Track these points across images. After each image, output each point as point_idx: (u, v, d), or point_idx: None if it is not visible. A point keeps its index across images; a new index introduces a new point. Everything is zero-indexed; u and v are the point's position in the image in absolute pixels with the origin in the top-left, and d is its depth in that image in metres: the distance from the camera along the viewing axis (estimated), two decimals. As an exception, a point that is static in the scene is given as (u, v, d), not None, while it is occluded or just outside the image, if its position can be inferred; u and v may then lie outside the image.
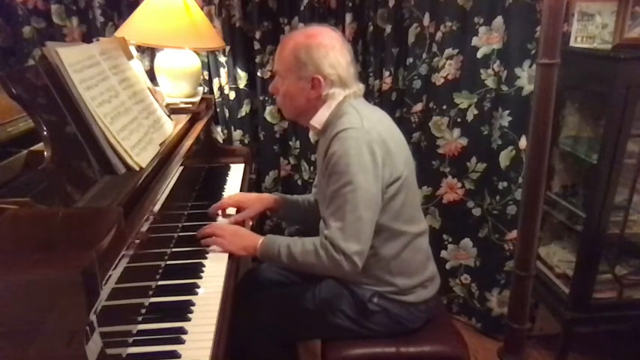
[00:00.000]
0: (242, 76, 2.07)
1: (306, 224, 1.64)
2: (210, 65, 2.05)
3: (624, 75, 1.58)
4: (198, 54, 1.92)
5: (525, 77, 1.88)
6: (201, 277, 1.20)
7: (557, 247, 2.07)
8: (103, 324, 0.72)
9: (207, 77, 2.08)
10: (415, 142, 2.10)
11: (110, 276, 0.81)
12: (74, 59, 1.02)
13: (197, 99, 1.82)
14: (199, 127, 1.66)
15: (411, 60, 2.00)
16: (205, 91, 2.05)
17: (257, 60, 2.03)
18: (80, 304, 0.63)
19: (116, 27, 1.92)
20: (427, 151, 2.09)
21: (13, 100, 0.88)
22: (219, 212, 1.53)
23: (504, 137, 1.96)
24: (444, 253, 2.20)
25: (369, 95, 2.02)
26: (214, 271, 1.23)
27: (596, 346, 2.06)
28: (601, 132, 1.70)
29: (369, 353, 1.33)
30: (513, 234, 2.01)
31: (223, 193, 1.71)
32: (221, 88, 2.08)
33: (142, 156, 1.09)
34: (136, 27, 1.70)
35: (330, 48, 1.27)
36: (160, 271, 1.19)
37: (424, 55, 1.98)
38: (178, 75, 1.81)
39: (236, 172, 1.92)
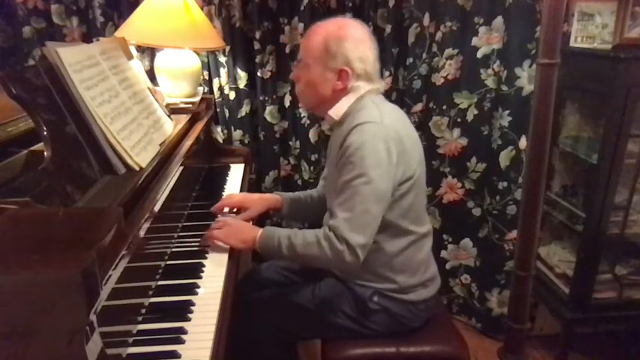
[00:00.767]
0: (242, 76, 2.07)
1: (309, 221, 1.64)
2: (210, 65, 2.05)
3: (624, 75, 1.58)
4: (198, 54, 1.92)
5: (525, 77, 1.88)
6: (201, 277, 1.20)
7: (557, 247, 2.07)
8: (103, 324, 0.72)
9: (207, 77, 2.08)
10: (415, 142, 2.10)
11: (110, 276, 0.81)
12: (74, 59, 1.02)
13: (197, 99, 1.82)
14: (199, 127, 1.66)
15: (411, 60, 2.00)
16: (205, 91, 2.05)
17: (257, 60, 2.03)
18: (80, 304, 0.63)
19: (116, 27, 1.92)
20: (427, 151, 2.07)
21: (13, 100, 0.88)
22: (224, 210, 1.53)
23: (504, 137, 1.96)
24: (444, 253, 2.20)
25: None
26: (214, 271, 1.23)
27: (596, 346, 2.06)
28: (601, 132, 1.70)
29: (369, 353, 1.33)
30: (513, 234, 2.01)
31: (223, 193, 1.71)
32: (221, 88, 2.08)
33: (141, 156, 1.09)
34: (135, 27, 1.70)
35: (360, 41, 1.27)
36: (160, 271, 1.19)
37: (424, 55, 1.98)
38: (178, 75, 1.81)
39: (236, 172, 1.92)
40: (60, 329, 0.63)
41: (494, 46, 1.90)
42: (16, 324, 0.63)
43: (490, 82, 1.95)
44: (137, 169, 1.05)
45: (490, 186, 2.04)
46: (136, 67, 1.44)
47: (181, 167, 1.39)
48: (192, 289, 1.14)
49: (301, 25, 1.98)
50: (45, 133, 0.89)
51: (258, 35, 2.00)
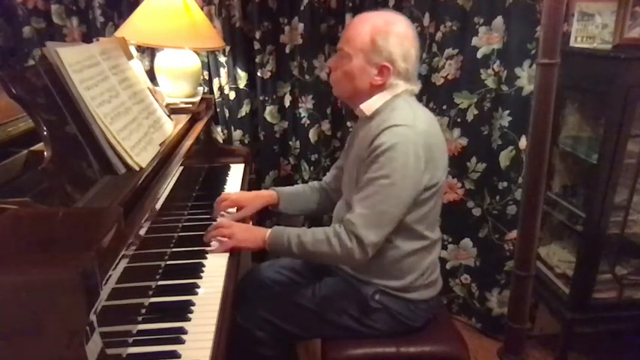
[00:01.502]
0: (242, 76, 2.07)
1: (309, 212, 1.65)
2: (210, 65, 2.05)
3: (624, 75, 1.58)
4: (198, 54, 1.92)
5: (525, 77, 1.88)
6: (201, 277, 1.20)
7: (557, 247, 2.07)
8: (103, 324, 0.72)
9: (207, 77, 2.08)
10: (415, 142, 2.10)
11: (110, 276, 0.81)
12: (74, 59, 1.02)
13: (197, 99, 1.82)
14: (199, 127, 1.66)
15: (411, 60, 2.00)
16: (205, 91, 2.05)
17: (257, 60, 2.03)
18: (80, 304, 0.63)
19: (116, 27, 1.92)
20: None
21: (13, 100, 0.88)
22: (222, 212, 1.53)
23: (504, 137, 1.96)
24: (444, 253, 2.19)
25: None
26: (214, 271, 1.23)
27: (596, 346, 2.06)
28: (601, 132, 1.70)
29: (369, 353, 1.33)
30: (513, 234, 2.01)
31: (223, 193, 1.71)
32: (221, 88, 2.08)
33: (142, 156, 1.09)
34: (135, 27, 1.70)
35: (405, 38, 1.26)
36: (160, 271, 1.19)
37: (424, 55, 1.98)
38: (178, 75, 1.81)
39: (236, 172, 1.92)
40: (60, 329, 0.63)
41: (494, 46, 1.90)
42: (16, 324, 0.62)
43: (490, 82, 1.95)
44: (137, 169, 1.05)
45: (490, 186, 2.04)
46: (136, 67, 1.44)
47: (181, 167, 1.39)
48: (192, 289, 1.14)
49: (301, 25, 1.98)
50: (45, 133, 0.89)
51: (258, 35, 2.00)
